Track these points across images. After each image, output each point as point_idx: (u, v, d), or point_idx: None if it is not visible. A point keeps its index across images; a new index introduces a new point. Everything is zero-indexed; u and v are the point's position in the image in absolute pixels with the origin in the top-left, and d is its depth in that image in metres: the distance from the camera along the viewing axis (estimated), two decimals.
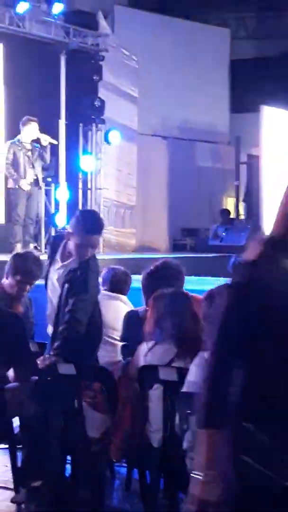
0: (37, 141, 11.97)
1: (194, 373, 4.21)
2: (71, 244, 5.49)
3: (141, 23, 16.54)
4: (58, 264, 5.59)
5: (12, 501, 5.10)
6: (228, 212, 17.74)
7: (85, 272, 5.37)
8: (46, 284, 5.70)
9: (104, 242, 15.42)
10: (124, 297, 6.43)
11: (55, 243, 5.81)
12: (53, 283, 5.61)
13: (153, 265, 5.55)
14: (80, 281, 5.35)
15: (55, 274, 5.59)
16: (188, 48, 17.27)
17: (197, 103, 17.34)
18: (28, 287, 5.98)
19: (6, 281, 6.00)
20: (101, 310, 5.66)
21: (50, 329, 5.65)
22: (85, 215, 5.84)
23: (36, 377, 5.04)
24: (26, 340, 5.37)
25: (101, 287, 6.49)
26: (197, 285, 7.37)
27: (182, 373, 4.40)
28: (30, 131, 11.93)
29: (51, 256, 5.74)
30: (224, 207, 18.21)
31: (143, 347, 4.85)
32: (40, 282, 6.09)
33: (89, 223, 5.56)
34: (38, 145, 12.02)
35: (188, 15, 17.26)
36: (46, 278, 5.71)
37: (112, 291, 6.42)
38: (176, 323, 4.79)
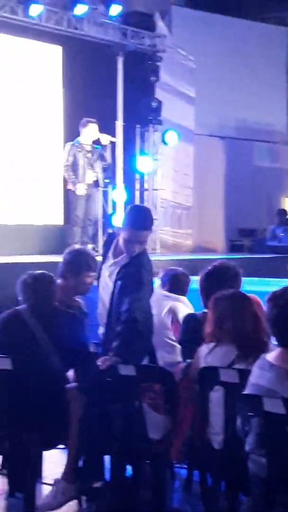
0: (97, 141, 11.99)
1: (256, 375, 4.18)
2: (121, 240, 5.46)
3: (198, 23, 16.49)
4: (110, 261, 5.57)
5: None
6: (285, 212, 17.62)
7: (139, 269, 5.33)
8: (98, 283, 5.68)
9: (160, 242, 15.45)
10: (184, 298, 6.42)
11: (108, 241, 5.78)
12: (105, 280, 5.59)
13: (211, 266, 5.51)
14: (134, 278, 5.30)
15: (107, 271, 5.58)
16: (245, 48, 17.18)
17: (254, 103, 17.24)
18: (89, 280, 5.90)
19: (61, 281, 5.92)
20: (154, 308, 5.65)
21: (101, 330, 5.64)
22: (134, 210, 5.81)
23: (97, 378, 5.05)
24: (86, 340, 5.39)
25: (159, 288, 6.50)
26: (256, 286, 7.31)
27: (244, 375, 4.37)
28: (90, 132, 11.96)
29: (104, 254, 5.72)
30: (282, 207, 18.08)
31: (204, 349, 4.84)
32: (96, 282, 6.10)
33: (137, 218, 5.53)
34: (99, 146, 12.05)
35: (245, 14, 17.16)
36: (98, 277, 5.69)
37: (172, 292, 6.42)
38: (236, 324, 4.76)
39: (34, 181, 13.64)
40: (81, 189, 11.88)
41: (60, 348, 5.18)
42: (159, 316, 6.32)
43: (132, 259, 5.37)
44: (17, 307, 5.38)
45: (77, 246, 11.46)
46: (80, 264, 5.88)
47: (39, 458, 5.36)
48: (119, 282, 5.33)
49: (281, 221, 17.16)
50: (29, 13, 12.71)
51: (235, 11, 16.92)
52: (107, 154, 12.08)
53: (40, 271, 5.53)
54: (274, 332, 4.16)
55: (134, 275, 5.30)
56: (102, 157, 12.08)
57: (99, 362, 5.02)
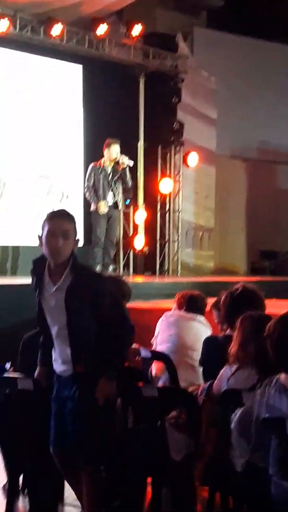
0: (117, 163, 12.01)
1: (275, 398, 4.14)
2: None
3: (219, 44, 16.55)
4: None
5: None
6: None
7: None
8: None
9: (182, 264, 15.43)
10: (201, 317, 6.42)
11: None
12: None
13: (233, 288, 5.49)
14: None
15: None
16: (267, 69, 17.20)
17: (276, 125, 17.25)
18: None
19: None
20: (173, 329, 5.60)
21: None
22: None
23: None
24: None
25: (177, 309, 6.52)
26: (280, 309, 7.25)
27: None
28: (110, 153, 11.96)
29: None
30: None
31: (226, 371, 4.80)
32: None
33: None
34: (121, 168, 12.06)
35: (267, 36, 17.19)
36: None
37: (190, 312, 6.43)
38: (258, 347, 4.72)
39: (54, 203, 13.66)
40: (102, 208, 11.87)
41: None
42: (179, 336, 6.31)
43: None
44: None
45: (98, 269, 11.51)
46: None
47: (61, 478, 5.33)
48: None
49: None
50: (50, 33, 12.78)
51: (256, 32, 16.95)
52: (127, 177, 12.06)
53: None
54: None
55: None
56: (123, 179, 12.08)
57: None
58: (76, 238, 4.83)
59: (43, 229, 4.76)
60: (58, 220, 4.79)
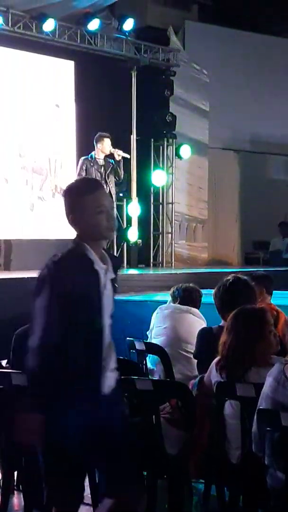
0: (111, 156, 12.02)
1: (273, 389, 4.15)
2: None
3: (211, 38, 16.52)
4: None
5: None
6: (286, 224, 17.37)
7: None
8: None
9: (175, 256, 15.45)
10: (195, 310, 6.45)
11: None
12: None
13: (224, 279, 5.50)
14: None
15: None
16: (259, 61, 17.18)
17: (268, 116, 17.23)
18: None
19: None
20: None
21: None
22: None
23: None
24: None
25: (171, 302, 6.53)
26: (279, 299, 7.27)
27: (260, 389, 4.35)
28: (103, 147, 11.99)
29: None
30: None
31: (217, 362, 4.80)
32: None
33: None
34: (113, 161, 12.08)
35: (259, 29, 17.19)
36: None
37: (184, 305, 6.45)
38: (230, 339, 4.74)
39: (47, 196, 13.67)
40: None
41: None
42: (173, 329, 6.33)
43: None
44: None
45: None
46: None
47: None
48: None
49: (284, 233, 16.97)
50: (42, 29, 12.78)
51: (247, 25, 16.95)
52: (120, 171, 12.08)
53: None
54: None
55: None
56: (115, 172, 12.10)
57: None
58: None
59: (83, 204, 3.94)
60: (103, 191, 4.11)
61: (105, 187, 11.72)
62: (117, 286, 3.98)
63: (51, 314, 3.73)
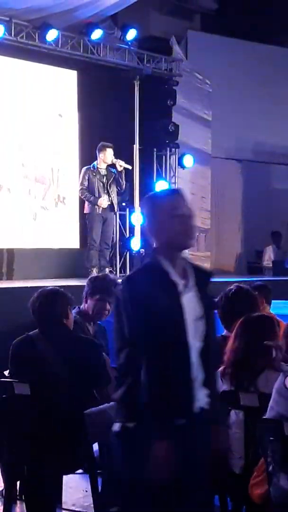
0: (113, 166, 12.06)
1: (276, 401, 4.16)
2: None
3: (214, 47, 16.55)
4: None
5: None
6: (280, 234, 17.38)
7: None
8: None
9: None
10: None
11: None
12: None
13: (227, 289, 5.53)
14: None
15: None
16: (262, 71, 17.20)
17: (271, 126, 17.25)
18: (108, 306, 6.00)
19: (84, 305, 6.09)
20: None
21: None
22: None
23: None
24: (103, 364, 5.35)
25: None
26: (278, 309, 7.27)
27: (264, 398, 4.34)
28: (105, 157, 12.03)
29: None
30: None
31: (221, 371, 4.80)
32: None
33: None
34: (115, 170, 12.10)
35: (262, 38, 17.21)
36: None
37: None
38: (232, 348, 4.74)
39: (50, 205, 13.69)
40: (104, 203, 11.96)
41: (75, 373, 5.12)
42: None
43: None
44: (29, 333, 5.34)
45: (95, 271, 11.54)
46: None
47: (58, 483, 5.33)
48: None
49: (276, 243, 17.02)
50: (45, 39, 12.81)
51: (250, 35, 16.97)
52: (122, 179, 12.13)
53: (49, 288, 5.51)
54: None
55: None
56: (117, 182, 12.13)
57: None
58: None
59: (158, 209, 3.66)
60: (181, 196, 3.73)
61: (107, 197, 11.97)
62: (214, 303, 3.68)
63: (121, 338, 3.53)
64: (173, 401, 3.47)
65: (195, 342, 3.53)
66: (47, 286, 5.53)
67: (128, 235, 14.28)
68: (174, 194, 3.73)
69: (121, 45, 14.01)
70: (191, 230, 3.65)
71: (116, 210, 12.64)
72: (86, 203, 12.20)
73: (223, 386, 4.68)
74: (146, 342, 3.45)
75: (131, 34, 13.86)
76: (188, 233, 3.63)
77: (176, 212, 3.58)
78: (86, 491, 5.51)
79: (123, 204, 13.78)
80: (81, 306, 6.13)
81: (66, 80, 14.14)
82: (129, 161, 13.10)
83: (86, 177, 12.03)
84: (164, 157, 15.39)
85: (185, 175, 15.78)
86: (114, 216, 12.89)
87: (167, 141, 15.07)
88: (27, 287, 9.86)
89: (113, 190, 12.15)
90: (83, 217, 12.79)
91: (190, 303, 3.54)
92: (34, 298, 5.34)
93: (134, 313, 3.48)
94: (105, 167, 12.10)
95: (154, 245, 3.66)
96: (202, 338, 3.57)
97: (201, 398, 3.60)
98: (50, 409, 4.98)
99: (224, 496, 4.90)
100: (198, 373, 3.56)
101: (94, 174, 12.02)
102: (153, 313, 3.43)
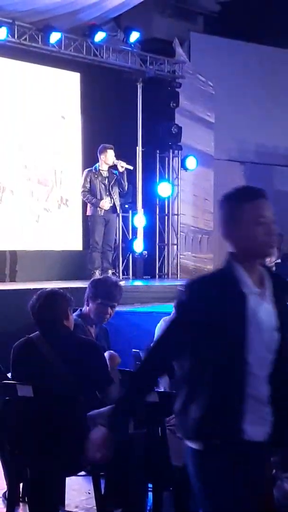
0: (115, 167, 12.08)
1: None
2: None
3: (217, 49, 16.55)
4: None
5: None
6: (282, 235, 17.26)
7: None
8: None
9: (181, 267, 15.45)
10: None
11: None
12: None
13: None
14: None
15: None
16: (264, 73, 17.20)
17: (274, 128, 17.24)
18: (109, 310, 6.01)
19: (86, 308, 6.08)
20: None
21: None
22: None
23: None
24: (104, 365, 5.36)
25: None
26: None
27: None
28: (106, 158, 12.05)
29: None
30: None
31: None
32: (118, 308, 6.11)
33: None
34: (117, 172, 12.12)
35: (264, 41, 17.21)
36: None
37: None
38: None
39: (52, 207, 13.70)
40: (107, 204, 11.97)
41: (77, 374, 5.12)
42: None
43: None
44: (30, 335, 5.34)
45: (97, 273, 11.55)
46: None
47: (61, 485, 5.32)
48: None
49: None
50: (48, 41, 12.82)
51: (253, 37, 16.97)
52: (124, 182, 12.14)
53: (48, 289, 5.50)
54: None
55: None
56: (119, 183, 12.14)
57: None
58: None
59: (240, 213, 3.40)
60: (265, 201, 3.46)
61: (109, 198, 11.98)
62: None
63: (165, 344, 3.45)
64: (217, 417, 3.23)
65: (267, 355, 3.23)
66: (45, 288, 5.52)
67: (130, 237, 14.29)
68: (259, 197, 3.41)
69: (124, 47, 14.03)
70: (274, 239, 3.42)
71: (118, 212, 12.65)
72: (89, 205, 12.21)
73: None
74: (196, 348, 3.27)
75: (134, 36, 13.89)
76: (271, 241, 3.40)
77: (261, 220, 3.36)
78: (89, 493, 5.50)
79: (126, 206, 13.79)
80: (83, 309, 6.12)
81: (69, 82, 14.15)
82: (132, 163, 13.11)
83: (88, 179, 12.05)
84: (167, 159, 15.40)
85: (188, 177, 15.79)
86: (117, 218, 12.90)
87: (170, 143, 15.08)
88: (30, 289, 9.85)
89: (115, 191, 12.16)
90: (86, 219, 12.81)
91: (264, 313, 3.24)
92: (33, 300, 5.33)
93: (179, 322, 3.35)
94: (106, 169, 12.11)
95: (230, 250, 3.44)
96: (277, 350, 3.26)
97: (260, 416, 3.23)
98: (52, 411, 4.98)
99: None
100: (262, 389, 3.22)
101: (96, 176, 12.03)
102: (206, 324, 3.21)
